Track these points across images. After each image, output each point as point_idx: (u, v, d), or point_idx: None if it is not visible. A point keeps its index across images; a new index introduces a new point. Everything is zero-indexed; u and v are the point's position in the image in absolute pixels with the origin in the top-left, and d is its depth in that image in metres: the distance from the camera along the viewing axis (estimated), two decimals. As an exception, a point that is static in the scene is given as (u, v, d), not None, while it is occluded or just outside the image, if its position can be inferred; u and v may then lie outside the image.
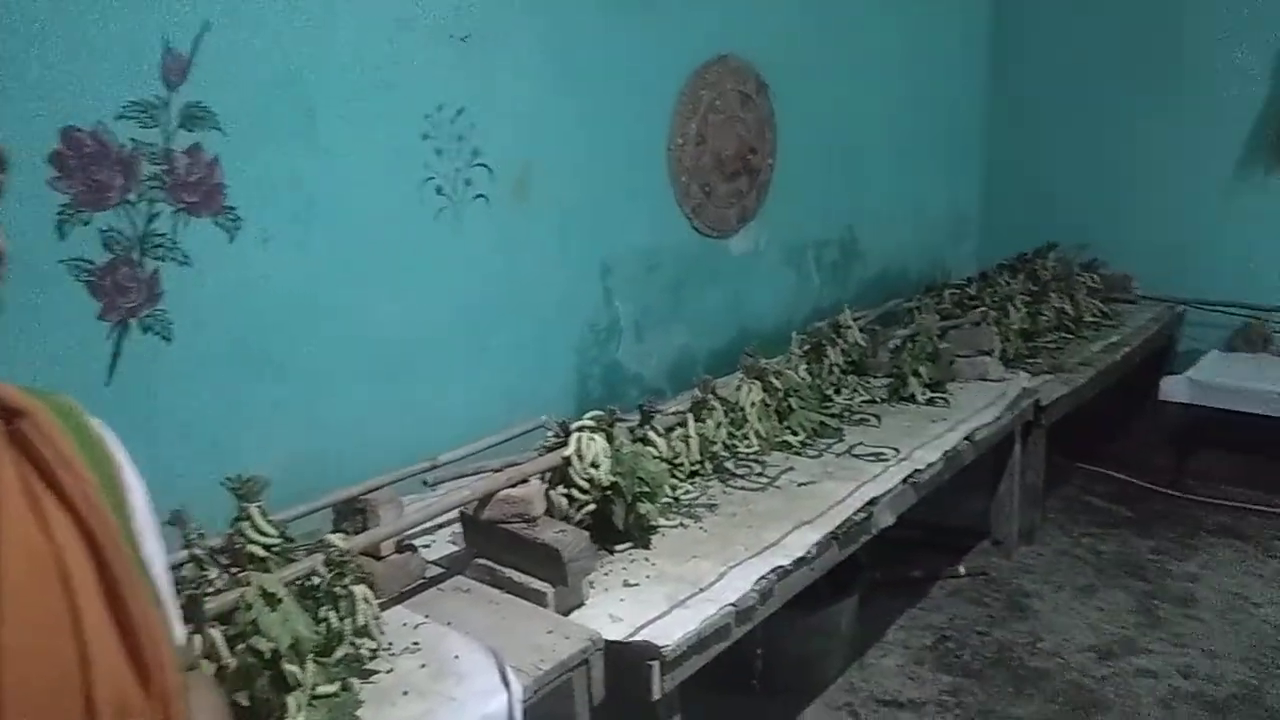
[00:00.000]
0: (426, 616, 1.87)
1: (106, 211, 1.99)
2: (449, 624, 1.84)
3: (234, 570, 1.74)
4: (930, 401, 3.25)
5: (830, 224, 4.31)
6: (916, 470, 2.66)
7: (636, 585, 2.01)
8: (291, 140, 2.30)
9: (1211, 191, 4.64)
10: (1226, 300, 4.53)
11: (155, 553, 0.88)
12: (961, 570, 3.28)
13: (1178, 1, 4.61)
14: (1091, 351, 3.88)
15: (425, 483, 2.09)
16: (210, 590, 1.62)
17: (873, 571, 2.87)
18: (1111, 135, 4.89)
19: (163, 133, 2.09)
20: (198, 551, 1.72)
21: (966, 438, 2.93)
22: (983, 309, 3.91)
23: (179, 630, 0.92)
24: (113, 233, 2.00)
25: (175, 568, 1.74)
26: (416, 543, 2.12)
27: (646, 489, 2.14)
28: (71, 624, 0.72)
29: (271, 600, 1.62)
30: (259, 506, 1.84)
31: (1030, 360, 3.69)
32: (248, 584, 1.60)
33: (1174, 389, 3.87)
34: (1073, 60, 4.95)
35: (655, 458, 2.35)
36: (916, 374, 3.32)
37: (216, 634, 1.54)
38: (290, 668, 1.55)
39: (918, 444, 2.84)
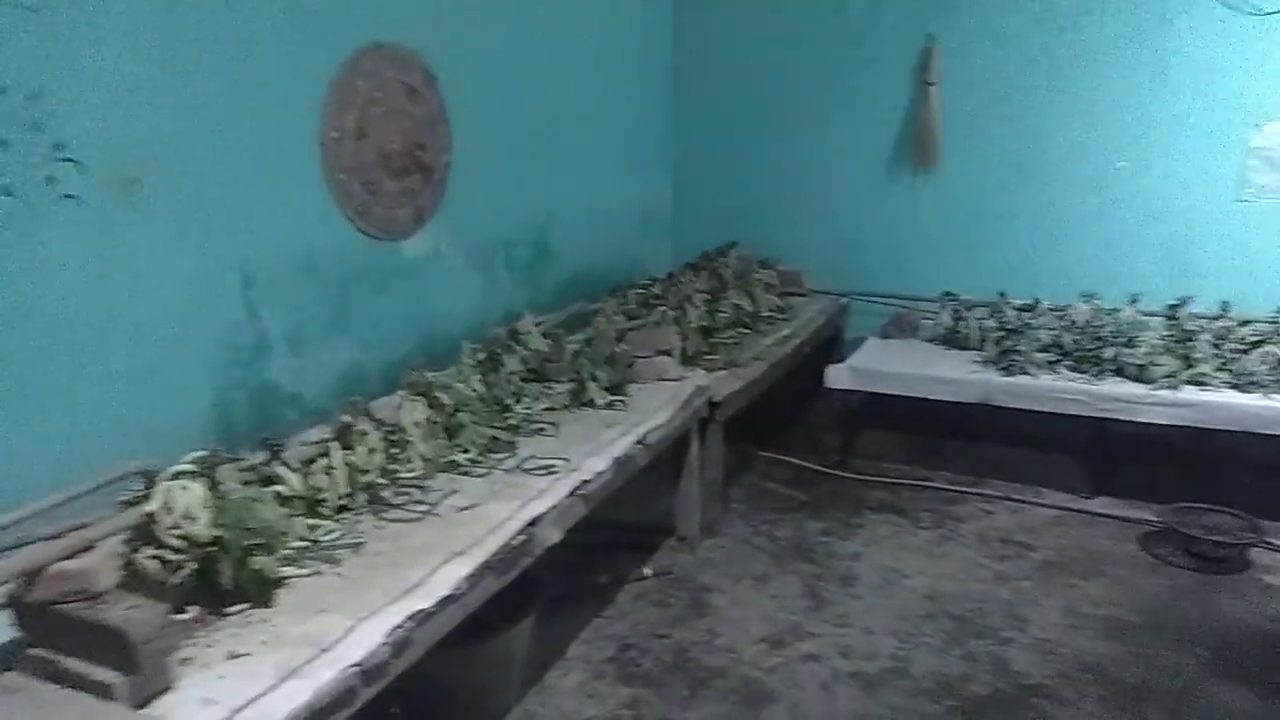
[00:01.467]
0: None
1: None
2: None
3: None
4: (610, 405, 3.21)
5: (521, 223, 4.18)
6: (585, 481, 2.58)
7: (245, 655, 1.73)
8: None
9: (867, 191, 5.04)
10: (882, 291, 4.95)
11: None
12: (647, 572, 3.28)
13: (832, 15, 4.96)
14: (765, 345, 4.04)
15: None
16: None
17: (552, 587, 2.76)
18: (782, 139, 5.17)
19: None
20: None
21: (639, 441, 2.91)
22: (663, 308, 3.95)
23: None
24: None
25: None
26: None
27: (260, 540, 1.87)
28: None
29: None
30: None
31: (708, 357, 3.78)
32: None
33: (838, 376, 4.14)
34: (747, 66, 5.19)
35: (284, 498, 2.07)
36: (595, 378, 3.26)
37: None
38: None
39: (590, 451, 2.77)
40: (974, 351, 4.24)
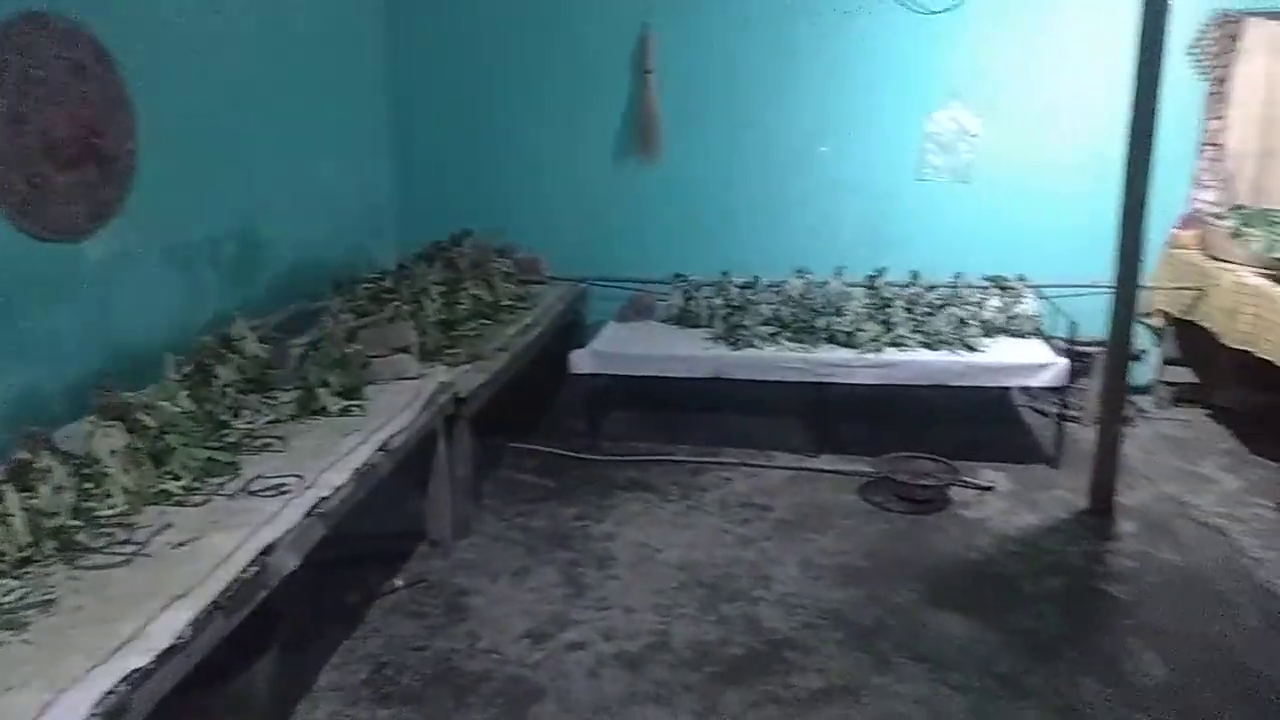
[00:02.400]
0: None
1: None
2: None
3: None
4: (345, 412, 2.99)
5: (225, 216, 3.79)
6: (323, 498, 2.38)
7: (-98, 760, 1.42)
8: None
9: (597, 177, 5.12)
10: (618, 275, 5.05)
11: None
12: (398, 583, 3.11)
13: (551, 5, 4.94)
14: (508, 335, 3.97)
15: None
16: None
17: (291, 615, 2.53)
18: (511, 125, 5.11)
19: None
20: None
21: (381, 448, 2.74)
22: (397, 303, 3.76)
23: None
24: None
25: None
26: None
27: (-87, 615, 1.53)
28: None
29: None
30: None
31: (450, 351, 3.64)
32: None
33: (580, 361, 4.17)
34: (467, 48, 5.05)
35: (-59, 561, 1.72)
36: (325, 384, 3.03)
37: None
38: None
39: (326, 465, 2.56)
40: (705, 329, 4.45)
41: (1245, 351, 3.87)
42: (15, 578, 1.92)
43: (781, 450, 4.21)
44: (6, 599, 1.83)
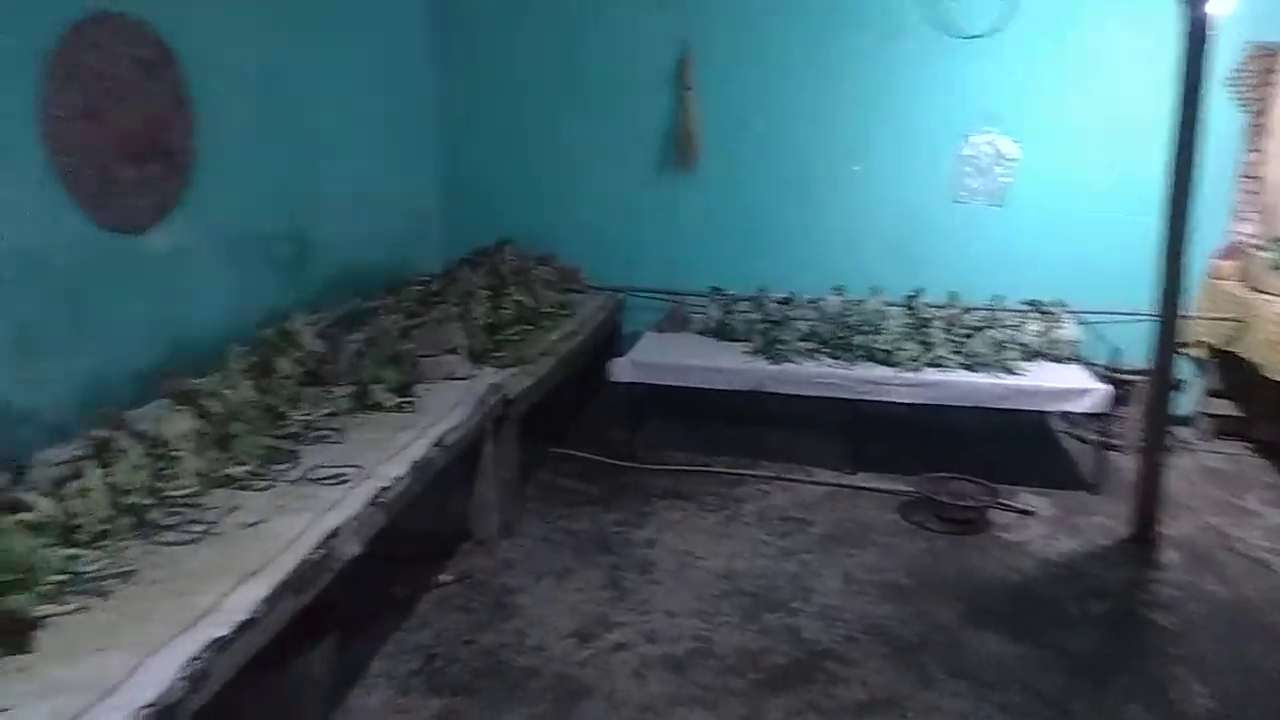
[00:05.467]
0: None
1: None
2: None
3: None
4: (398, 408, 3.05)
5: (280, 215, 3.87)
6: (383, 488, 2.43)
7: (5, 710, 1.46)
8: None
9: (636, 190, 5.18)
10: (655, 287, 5.11)
11: None
12: (447, 578, 3.14)
13: (594, 18, 5.03)
14: (551, 341, 4.02)
15: None
16: None
17: (347, 602, 2.57)
18: (552, 137, 5.19)
19: None
20: None
21: (436, 444, 2.79)
22: (446, 305, 3.82)
23: None
24: None
25: None
26: None
27: (15, 575, 1.58)
28: None
29: None
30: None
31: (495, 354, 3.69)
32: None
33: (620, 369, 4.21)
34: (512, 64, 5.15)
35: (32, 527, 1.77)
36: (380, 380, 3.09)
37: None
38: None
39: (384, 458, 2.61)
40: (742, 343, 4.48)
41: (1288, 384, 3.87)
42: (96, 549, 1.96)
43: (819, 466, 4.22)
44: (90, 568, 1.88)
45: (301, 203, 3.99)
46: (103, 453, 2.11)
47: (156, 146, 3.17)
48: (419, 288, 4.11)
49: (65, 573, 1.82)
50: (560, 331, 4.19)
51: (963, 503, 3.73)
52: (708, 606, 3.05)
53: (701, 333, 4.69)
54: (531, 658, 2.73)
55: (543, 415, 3.84)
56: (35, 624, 1.65)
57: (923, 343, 4.25)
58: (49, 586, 1.74)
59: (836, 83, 4.89)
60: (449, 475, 3.06)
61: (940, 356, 4.16)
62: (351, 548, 2.24)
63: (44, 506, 1.87)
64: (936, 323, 4.42)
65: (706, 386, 4.22)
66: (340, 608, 2.49)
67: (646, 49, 5.01)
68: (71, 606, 1.77)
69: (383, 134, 4.73)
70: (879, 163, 4.94)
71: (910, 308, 4.59)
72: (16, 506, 1.80)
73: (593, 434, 4.50)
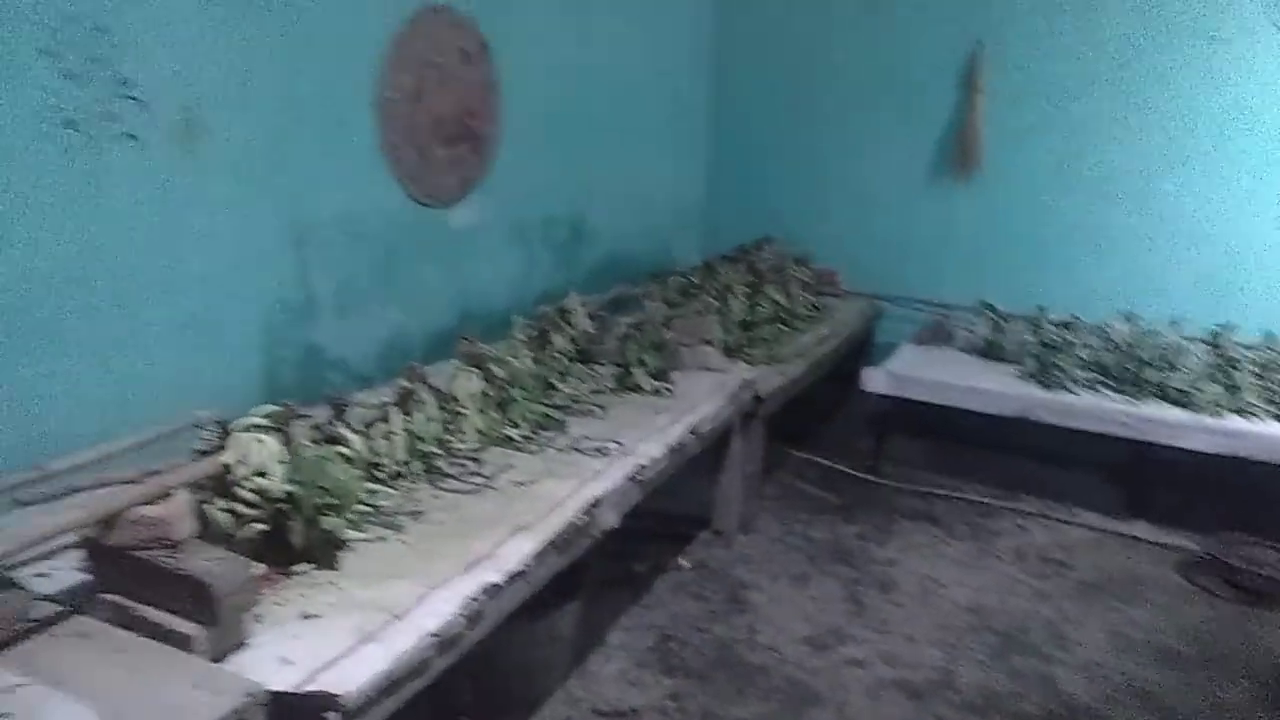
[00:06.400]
0: (27, 677, 1.41)
1: None
2: (57, 685, 1.39)
3: None
4: (656, 392, 3.14)
5: (560, 201, 4.11)
6: (641, 466, 2.51)
7: (317, 617, 1.66)
8: None
9: (906, 193, 4.99)
10: (917, 297, 4.90)
11: None
12: (685, 564, 3.20)
13: (879, 13, 4.90)
14: (804, 343, 3.98)
15: (18, 501, 1.58)
16: None
17: (594, 569, 2.68)
18: (821, 135, 5.12)
19: None
20: None
21: (691, 430, 2.84)
22: (705, 298, 3.89)
23: None
24: None
25: None
26: (26, 573, 1.61)
27: (333, 500, 1.79)
28: None
29: None
30: None
31: (748, 350, 3.70)
32: None
33: (874, 380, 4.07)
34: (790, 59, 5.13)
35: (347, 459, 1.99)
36: (642, 363, 3.19)
37: None
38: None
39: (642, 437, 2.69)
40: (1012, 365, 4.19)
41: None
42: (391, 488, 2.18)
43: (1085, 507, 3.88)
44: (386, 503, 2.08)
45: (579, 191, 4.21)
46: (405, 402, 2.34)
47: (467, 130, 3.47)
48: (680, 279, 4.21)
49: (367, 505, 2.03)
50: (814, 334, 4.14)
51: (1262, 570, 3.27)
52: (951, 638, 2.89)
53: (965, 349, 4.44)
54: (763, 655, 2.72)
55: (788, 417, 3.80)
56: (343, 545, 1.86)
57: (1228, 386, 3.77)
58: (355, 515, 1.95)
59: (1148, 89, 4.43)
60: (695, 463, 3.12)
61: (1249, 403, 3.67)
62: (610, 518, 2.33)
63: (356, 443, 2.10)
64: (1246, 364, 3.90)
65: (967, 407, 3.99)
66: (588, 573, 2.61)
67: (933, 46, 4.80)
68: (369, 535, 1.97)
69: (658, 130, 4.88)
70: (1193, 180, 4.43)
71: (1215, 345, 4.08)
72: (336, 440, 2.03)
73: (837, 442, 4.40)
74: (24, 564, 1.58)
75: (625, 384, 3.16)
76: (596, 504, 2.27)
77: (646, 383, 3.16)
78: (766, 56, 5.19)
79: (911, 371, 4.12)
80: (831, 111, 5.09)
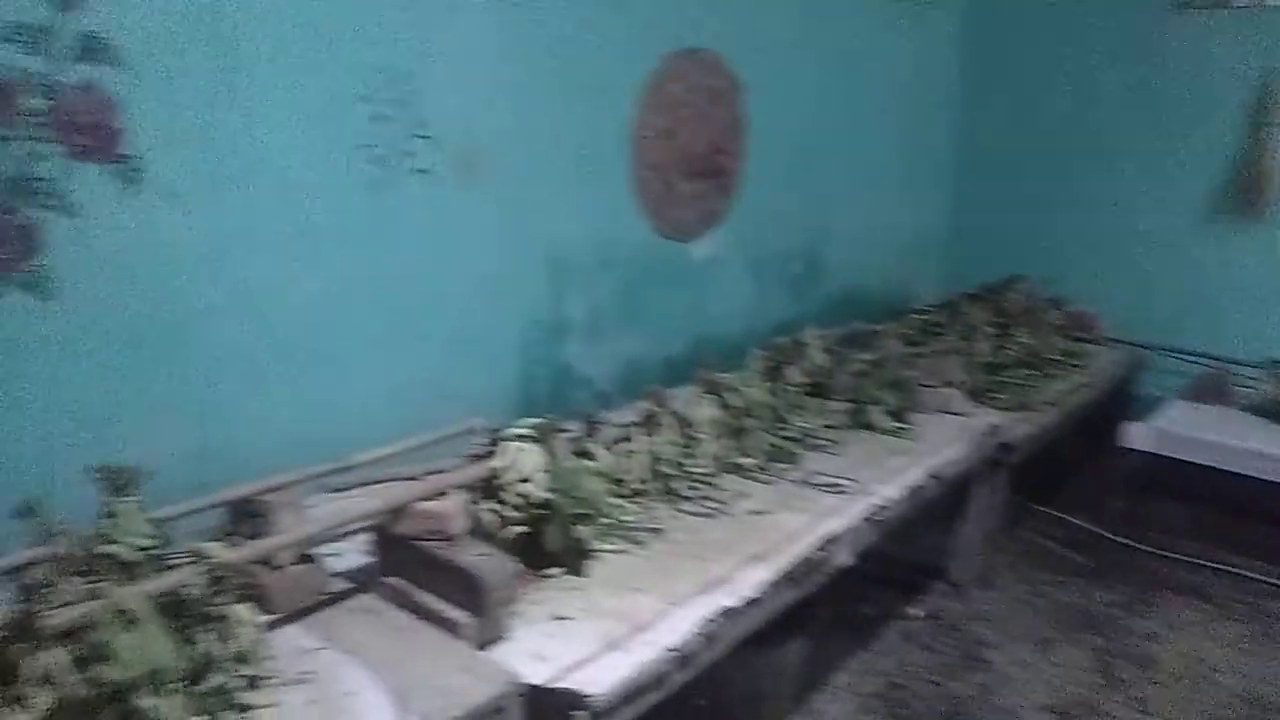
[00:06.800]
0: (325, 642, 1.60)
1: (-27, 144, 1.70)
2: (349, 653, 1.57)
3: (93, 578, 1.45)
4: (892, 432, 3.05)
5: (796, 236, 4.13)
6: (878, 506, 2.45)
7: (568, 619, 1.76)
8: (206, 84, 2.01)
9: (1176, 235, 4.56)
10: (1189, 349, 4.45)
11: None
12: (918, 613, 3.08)
13: (1155, 42, 4.54)
14: (1057, 390, 3.72)
15: (333, 488, 1.80)
16: (56, 602, 1.34)
17: (824, 607, 2.64)
18: (1082, 172, 4.79)
19: (51, 62, 1.80)
20: (50, 551, 1.44)
21: (932, 474, 2.74)
22: (948, 338, 3.74)
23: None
24: (-21, 170, 1.71)
25: (17, 570, 1.46)
26: (325, 550, 1.83)
27: (585, 510, 1.89)
28: None
29: (127, 619, 1.36)
30: (137, 502, 1.56)
31: (994, 395, 3.52)
32: (103, 596, 1.33)
33: (1137, 436, 3.74)
34: (1045, 95, 4.86)
35: (596, 474, 2.10)
36: (879, 401, 3.12)
37: (60, 655, 1.27)
38: (145, 702, 1.30)
39: (878, 477, 2.63)
40: (1304, 429, 3.71)
41: None
42: (634, 503, 2.27)
43: (1395, 597, 3.34)
44: (629, 519, 2.17)
45: (817, 224, 4.20)
46: (649, 423, 2.43)
47: (712, 167, 3.58)
48: (921, 317, 4.08)
49: (612, 518, 2.13)
50: (1069, 382, 3.86)
51: None
52: (1223, 727, 2.59)
53: (1247, 408, 3.98)
54: (1001, 718, 2.55)
55: (1035, 469, 3.57)
56: (591, 554, 1.96)
57: None
58: (601, 526, 2.05)
59: None
60: (933, 510, 3.00)
61: None
62: (844, 556, 2.30)
63: (604, 458, 2.21)
64: None
65: (1246, 473, 3.56)
66: (817, 612, 2.57)
67: (1211, 77, 4.39)
68: (614, 547, 2.06)
69: (898, 164, 4.78)
70: None
71: None
72: (587, 454, 2.15)
73: (1087, 500, 4.06)
74: (322, 543, 1.80)
75: (859, 421, 3.10)
76: (832, 540, 2.24)
77: (883, 422, 3.09)
78: (1018, 87, 4.95)
79: (1183, 429, 3.73)
80: (1090, 146, 4.76)
